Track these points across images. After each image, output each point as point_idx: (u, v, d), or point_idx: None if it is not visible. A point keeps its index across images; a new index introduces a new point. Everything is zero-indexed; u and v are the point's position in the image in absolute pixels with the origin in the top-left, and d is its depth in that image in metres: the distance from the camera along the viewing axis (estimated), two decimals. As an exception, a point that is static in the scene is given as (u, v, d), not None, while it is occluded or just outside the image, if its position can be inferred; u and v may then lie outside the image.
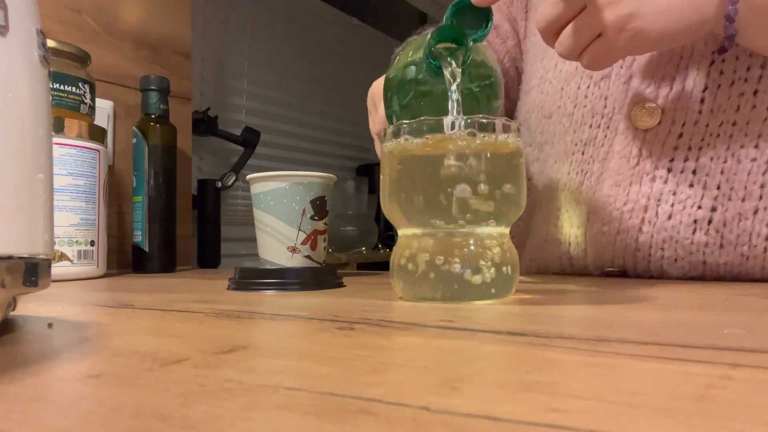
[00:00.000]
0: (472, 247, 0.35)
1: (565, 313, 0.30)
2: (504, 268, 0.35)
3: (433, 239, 0.36)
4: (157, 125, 0.77)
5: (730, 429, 0.12)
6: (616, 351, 0.20)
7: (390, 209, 0.37)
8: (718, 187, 0.46)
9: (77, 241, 0.61)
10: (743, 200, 0.45)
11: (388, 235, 1.84)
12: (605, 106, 0.53)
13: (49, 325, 0.27)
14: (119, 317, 0.31)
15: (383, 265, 1.74)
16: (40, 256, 0.24)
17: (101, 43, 0.86)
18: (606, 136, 0.52)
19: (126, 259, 0.83)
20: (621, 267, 0.52)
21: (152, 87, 0.79)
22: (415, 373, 0.17)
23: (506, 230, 0.37)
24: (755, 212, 0.45)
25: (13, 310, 0.26)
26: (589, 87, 0.54)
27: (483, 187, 0.34)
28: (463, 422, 0.13)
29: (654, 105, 0.48)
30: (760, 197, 0.45)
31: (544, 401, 0.14)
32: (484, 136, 0.34)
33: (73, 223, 0.61)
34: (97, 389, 0.16)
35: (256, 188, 0.51)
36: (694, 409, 0.13)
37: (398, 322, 0.27)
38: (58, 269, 0.60)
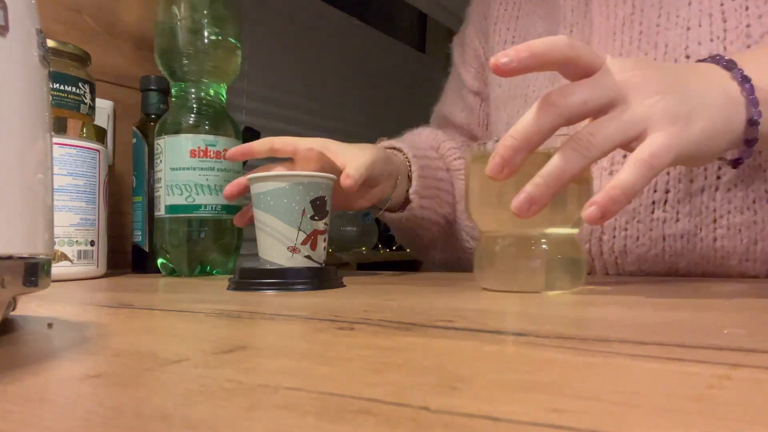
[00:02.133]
0: (544, 246, 0.40)
1: (565, 313, 0.30)
2: (573, 263, 0.40)
3: (512, 238, 0.41)
4: (157, 125, 0.77)
5: (730, 429, 0.12)
6: (616, 351, 0.20)
7: (475, 213, 0.43)
8: (668, 173, 0.53)
9: (77, 241, 0.61)
10: (691, 182, 0.53)
11: (388, 235, 1.84)
12: (567, 129, 0.58)
13: (49, 325, 0.27)
14: (119, 317, 0.31)
15: (383, 265, 1.75)
16: (40, 256, 0.24)
17: (101, 43, 0.86)
18: None
19: (126, 259, 0.83)
20: (587, 251, 0.58)
21: (152, 87, 0.79)
22: (415, 373, 0.17)
23: (574, 230, 0.42)
24: (702, 190, 0.53)
25: (13, 310, 0.26)
26: None
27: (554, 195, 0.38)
28: (463, 422, 0.13)
29: None
30: (705, 177, 0.53)
31: (544, 401, 0.14)
32: (553, 150, 0.38)
33: (73, 223, 0.61)
34: (97, 389, 0.16)
35: (256, 188, 0.51)
36: (694, 409, 0.13)
37: (398, 322, 0.27)
38: (58, 269, 0.60)
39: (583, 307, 0.32)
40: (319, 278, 0.47)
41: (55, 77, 0.62)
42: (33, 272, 0.24)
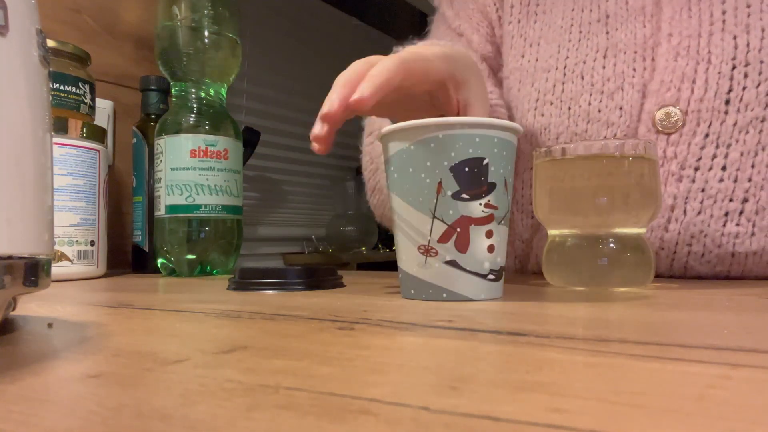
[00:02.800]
0: (611, 245, 0.41)
1: (565, 313, 0.30)
2: (639, 262, 0.41)
3: (580, 238, 0.43)
4: (157, 125, 0.77)
5: (730, 429, 0.12)
6: (616, 351, 0.20)
7: (543, 214, 0.44)
8: (750, 179, 0.46)
9: (77, 241, 0.61)
10: None
11: (388, 235, 1.84)
12: (621, 116, 0.51)
13: (49, 325, 0.27)
14: (119, 317, 0.31)
15: (383, 265, 1.75)
16: (40, 256, 0.24)
17: (101, 43, 0.86)
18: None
19: (126, 259, 0.83)
20: None
21: (152, 87, 0.79)
22: (415, 373, 0.17)
23: (642, 230, 0.42)
24: None
25: (13, 310, 0.26)
26: (601, 101, 0.52)
27: (621, 197, 0.41)
28: (463, 422, 0.13)
29: (676, 109, 0.48)
30: None
31: (544, 401, 0.14)
32: (620, 156, 0.40)
33: (73, 223, 0.61)
34: (97, 389, 0.16)
35: (382, 150, 0.36)
36: (694, 409, 0.13)
37: (398, 322, 0.27)
38: (58, 269, 0.60)
39: (583, 307, 0.32)
40: (319, 278, 0.47)
41: (55, 77, 0.62)
42: (33, 272, 0.24)
